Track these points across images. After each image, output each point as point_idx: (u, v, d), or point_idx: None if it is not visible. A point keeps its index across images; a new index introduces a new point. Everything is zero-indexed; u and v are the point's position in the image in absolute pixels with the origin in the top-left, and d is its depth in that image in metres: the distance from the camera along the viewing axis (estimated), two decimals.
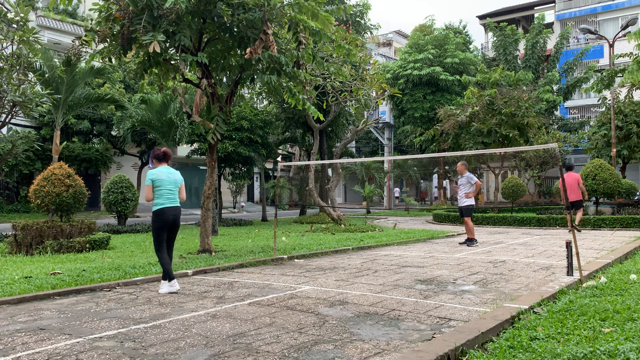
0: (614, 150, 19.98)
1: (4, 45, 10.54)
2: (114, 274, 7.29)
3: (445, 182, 39.70)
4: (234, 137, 18.47)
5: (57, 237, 10.43)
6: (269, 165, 31.85)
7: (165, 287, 6.25)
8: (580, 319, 4.44)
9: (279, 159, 31.90)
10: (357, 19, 24.25)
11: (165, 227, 6.41)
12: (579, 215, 14.52)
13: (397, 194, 40.23)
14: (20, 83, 10.77)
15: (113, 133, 26.94)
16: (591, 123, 29.21)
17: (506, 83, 25.32)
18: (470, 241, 11.56)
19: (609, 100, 21.52)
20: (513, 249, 10.72)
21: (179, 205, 6.53)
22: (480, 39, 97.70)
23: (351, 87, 16.96)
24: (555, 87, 32.40)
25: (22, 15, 10.14)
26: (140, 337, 4.31)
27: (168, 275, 6.28)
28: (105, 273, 7.33)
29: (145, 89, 10.37)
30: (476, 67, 30.52)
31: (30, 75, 12.16)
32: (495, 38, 34.82)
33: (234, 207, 36.32)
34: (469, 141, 21.43)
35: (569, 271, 6.96)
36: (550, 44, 34.99)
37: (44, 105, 14.52)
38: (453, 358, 3.67)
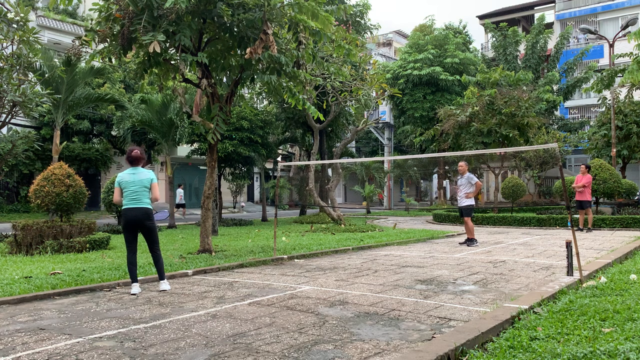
0: (614, 150, 19.98)
1: (4, 45, 10.54)
2: (114, 274, 7.30)
3: (446, 182, 39.67)
4: (234, 137, 18.48)
5: (57, 237, 10.43)
6: (269, 165, 31.82)
7: (134, 287, 6.36)
8: (580, 319, 4.44)
9: (279, 159, 31.88)
10: (357, 19, 24.23)
11: (127, 228, 6.40)
12: (590, 215, 14.68)
13: (435, 195, 40.63)
14: (20, 83, 10.77)
15: (113, 133, 26.93)
16: (591, 123, 29.21)
17: (506, 83, 25.31)
18: (470, 241, 11.57)
19: (609, 100, 21.52)
20: (513, 249, 10.72)
21: (143, 206, 6.39)
22: (481, 39, 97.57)
23: (351, 87, 16.94)
24: (555, 87, 32.38)
25: (22, 15, 10.14)
26: (140, 337, 4.31)
27: (131, 277, 6.42)
28: (105, 273, 7.34)
29: (145, 89, 10.39)
30: (476, 67, 30.51)
31: (30, 75, 12.16)
32: (494, 39, 34.82)
33: (234, 207, 36.29)
34: (469, 141, 21.42)
35: (569, 271, 6.96)
36: (551, 44, 34.98)
37: (44, 105, 14.55)
38: (453, 358, 3.67)
